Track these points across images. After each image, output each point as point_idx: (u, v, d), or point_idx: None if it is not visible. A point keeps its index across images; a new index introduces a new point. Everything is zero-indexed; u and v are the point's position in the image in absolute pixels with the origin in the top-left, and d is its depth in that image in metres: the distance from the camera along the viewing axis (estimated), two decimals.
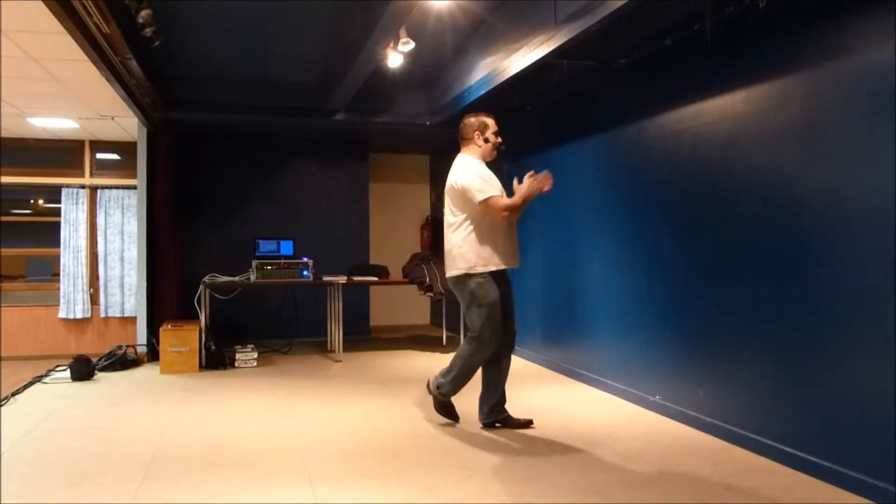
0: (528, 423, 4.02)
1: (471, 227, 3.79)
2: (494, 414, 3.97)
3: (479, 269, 3.77)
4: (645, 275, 4.49)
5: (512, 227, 3.90)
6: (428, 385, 4.11)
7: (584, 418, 4.22)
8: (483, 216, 3.77)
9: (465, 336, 4.04)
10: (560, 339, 5.75)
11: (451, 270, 3.88)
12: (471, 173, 3.80)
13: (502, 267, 3.84)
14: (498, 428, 3.95)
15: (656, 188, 4.39)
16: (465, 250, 3.78)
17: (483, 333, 3.78)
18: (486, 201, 3.71)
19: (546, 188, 3.73)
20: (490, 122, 3.96)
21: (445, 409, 4.04)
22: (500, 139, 3.99)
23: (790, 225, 3.29)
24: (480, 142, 3.92)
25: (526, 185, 3.74)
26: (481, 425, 3.97)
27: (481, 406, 4.00)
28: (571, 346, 5.53)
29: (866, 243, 2.90)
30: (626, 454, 3.48)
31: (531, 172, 3.78)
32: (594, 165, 5.15)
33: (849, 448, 2.96)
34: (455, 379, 3.91)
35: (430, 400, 4.67)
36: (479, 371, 3.95)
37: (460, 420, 4.04)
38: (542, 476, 3.16)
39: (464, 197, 3.78)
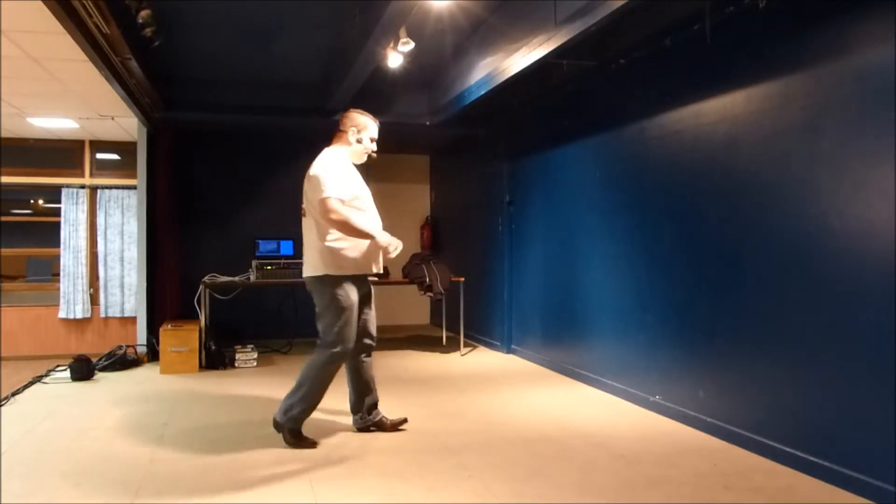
0: (403, 422, 3.93)
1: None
2: (370, 418, 3.86)
3: (338, 272, 3.53)
4: (645, 275, 4.49)
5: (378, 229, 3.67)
6: (274, 421, 3.67)
7: (584, 418, 4.22)
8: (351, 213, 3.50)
9: (316, 342, 3.67)
10: (560, 339, 5.75)
11: (308, 270, 3.60)
12: (329, 167, 3.51)
13: (363, 272, 3.64)
14: (373, 431, 3.87)
15: (656, 188, 4.39)
16: (324, 250, 3.51)
17: (336, 340, 3.52)
18: (326, 200, 3.40)
19: (390, 256, 3.59)
20: (373, 125, 3.76)
21: (298, 437, 3.60)
22: (375, 149, 3.77)
23: (790, 225, 3.29)
24: (353, 139, 3.68)
25: (387, 241, 3.53)
26: (356, 429, 3.88)
27: (355, 412, 3.90)
28: (571, 346, 5.53)
29: (866, 243, 2.90)
30: (626, 454, 3.48)
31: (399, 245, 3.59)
32: (594, 165, 5.15)
33: (849, 448, 2.96)
34: (306, 396, 3.57)
35: (429, 400, 4.66)
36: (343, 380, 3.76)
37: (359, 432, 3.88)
38: (542, 476, 3.16)
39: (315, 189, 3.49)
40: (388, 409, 4.44)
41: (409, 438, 3.78)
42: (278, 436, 3.79)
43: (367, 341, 3.80)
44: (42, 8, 3.31)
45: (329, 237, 3.51)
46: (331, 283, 3.53)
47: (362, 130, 3.71)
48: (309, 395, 3.58)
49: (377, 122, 3.79)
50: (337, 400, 4.76)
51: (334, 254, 3.52)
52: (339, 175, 3.51)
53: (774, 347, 3.38)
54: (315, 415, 4.05)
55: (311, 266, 3.59)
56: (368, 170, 8.48)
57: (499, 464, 3.33)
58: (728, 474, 3.17)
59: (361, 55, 4.83)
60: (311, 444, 3.60)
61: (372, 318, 3.84)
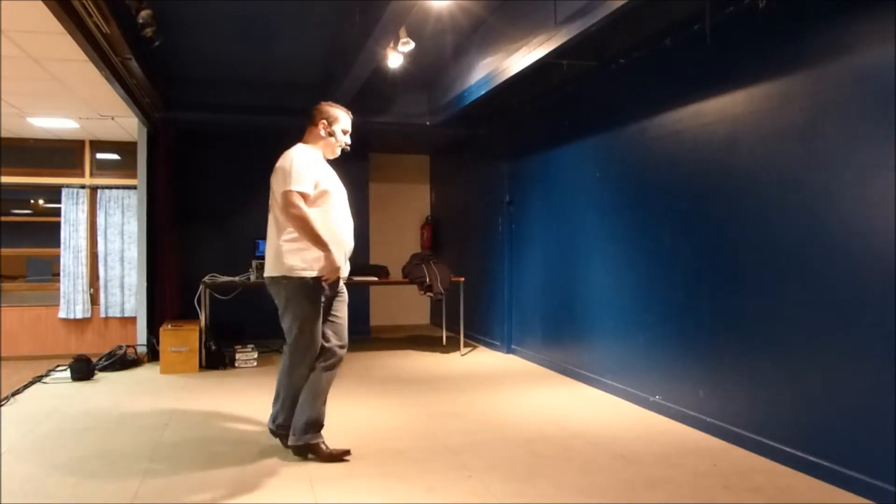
0: (345, 453, 3.50)
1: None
2: (306, 438, 3.40)
3: (302, 274, 3.28)
4: (645, 274, 4.49)
5: (348, 230, 3.49)
6: (294, 448, 3.40)
7: (584, 418, 4.22)
8: (315, 212, 3.29)
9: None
10: (560, 339, 5.75)
11: (268, 270, 3.39)
12: (297, 160, 3.30)
13: (339, 273, 3.39)
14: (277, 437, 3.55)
15: (656, 188, 4.39)
16: (288, 249, 3.29)
17: (301, 342, 3.33)
18: (288, 193, 3.21)
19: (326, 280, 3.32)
20: (345, 117, 3.55)
21: (328, 453, 3.38)
22: (348, 142, 3.57)
23: (790, 225, 3.29)
24: (325, 132, 3.47)
25: (330, 264, 3.26)
26: (269, 430, 3.57)
27: (274, 410, 3.53)
28: (571, 346, 5.53)
29: (866, 243, 2.90)
30: (626, 454, 3.48)
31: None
32: (594, 165, 5.15)
33: (849, 448, 2.96)
34: (311, 407, 3.36)
35: (429, 399, 4.67)
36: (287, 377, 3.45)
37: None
38: (542, 476, 3.16)
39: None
40: (388, 409, 4.45)
41: (409, 438, 3.78)
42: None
43: (329, 345, 3.43)
44: (42, 8, 3.31)
45: (289, 235, 3.30)
46: (289, 284, 3.29)
47: (334, 123, 3.50)
48: (314, 397, 3.38)
49: (349, 113, 3.59)
50: (336, 401, 4.77)
51: (295, 253, 3.28)
52: (306, 169, 3.29)
53: (774, 347, 3.38)
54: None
55: (270, 265, 3.37)
56: (369, 170, 8.50)
57: (499, 464, 3.33)
58: (728, 474, 3.17)
59: (361, 55, 4.83)
60: (342, 453, 3.40)
61: (341, 324, 3.52)
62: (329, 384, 3.47)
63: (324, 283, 3.32)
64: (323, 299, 3.38)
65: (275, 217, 3.39)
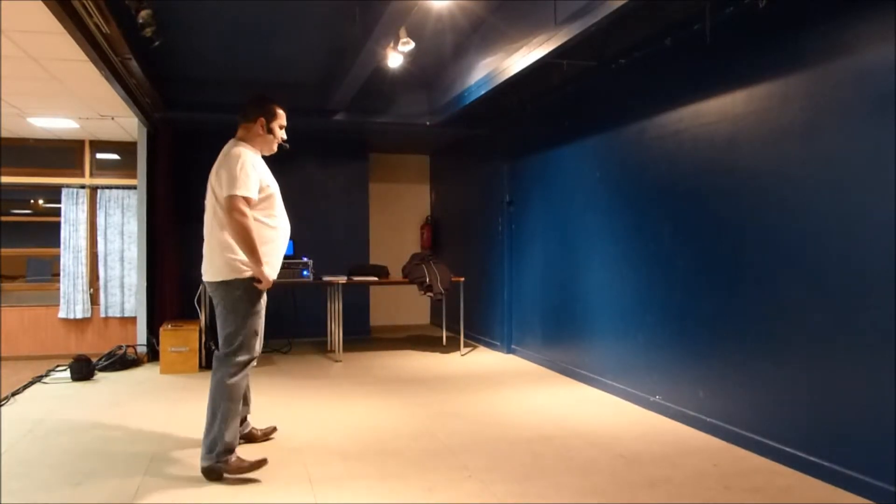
0: (272, 431, 3.73)
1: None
2: (241, 429, 3.45)
3: (245, 276, 3.21)
4: (645, 275, 4.49)
5: (286, 229, 3.44)
6: (204, 470, 3.13)
7: (584, 418, 4.22)
8: (260, 216, 3.26)
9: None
10: (560, 339, 5.75)
11: (212, 274, 3.31)
12: (239, 161, 3.20)
13: (273, 277, 3.29)
14: (241, 443, 3.43)
15: (656, 188, 4.39)
16: (233, 252, 3.22)
17: (242, 349, 3.21)
18: (233, 198, 3.14)
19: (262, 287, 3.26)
20: (281, 113, 3.48)
21: (240, 467, 3.15)
22: (285, 137, 3.51)
23: (790, 225, 3.29)
24: (262, 130, 3.38)
25: (260, 275, 3.20)
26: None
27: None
28: (571, 346, 5.53)
29: (866, 243, 2.90)
30: (626, 454, 3.48)
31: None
32: (594, 165, 5.15)
33: (849, 448, 2.96)
34: (226, 420, 3.15)
35: (429, 400, 4.67)
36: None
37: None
38: (542, 476, 3.16)
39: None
40: (388, 408, 4.44)
41: (409, 438, 3.78)
42: (278, 436, 3.79)
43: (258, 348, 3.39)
44: (42, 8, 3.31)
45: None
46: (238, 287, 3.21)
47: (272, 120, 3.41)
48: (227, 418, 3.16)
49: (284, 108, 3.52)
50: (336, 401, 4.77)
51: (242, 256, 3.20)
52: (253, 171, 3.22)
53: (775, 347, 3.38)
54: (315, 415, 4.05)
55: (216, 269, 3.28)
56: (369, 170, 8.50)
57: (499, 464, 3.33)
58: (728, 474, 3.17)
59: (361, 55, 4.83)
60: (259, 463, 3.20)
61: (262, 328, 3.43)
62: (243, 390, 3.33)
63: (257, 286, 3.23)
64: (265, 301, 3.32)
65: (215, 217, 3.31)
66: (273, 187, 3.39)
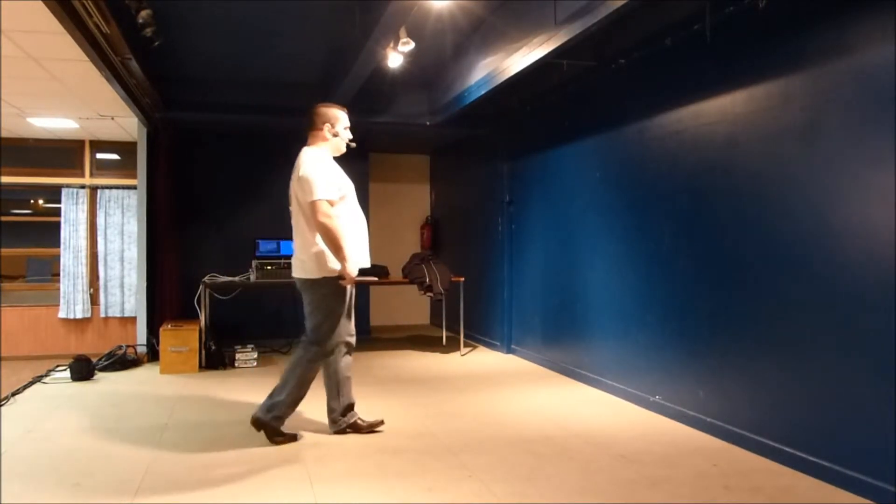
0: (379, 423, 3.91)
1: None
2: (345, 420, 3.82)
3: (332, 274, 3.55)
4: (645, 275, 4.49)
5: (362, 222, 3.75)
6: (255, 419, 3.65)
7: (584, 418, 4.22)
8: (340, 215, 3.55)
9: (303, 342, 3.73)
10: (560, 339, 5.75)
11: (301, 272, 3.65)
12: (318, 167, 3.53)
13: (359, 268, 3.63)
14: (348, 433, 3.82)
15: (656, 188, 4.39)
16: (319, 252, 3.54)
17: (324, 339, 3.64)
18: (318, 202, 3.44)
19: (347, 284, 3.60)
20: (343, 115, 3.76)
21: (281, 434, 3.65)
22: (351, 137, 3.79)
23: (790, 225, 3.29)
24: (329, 134, 3.69)
25: (348, 273, 3.51)
26: (331, 432, 3.82)
27: (330, 413, 3.84)
28: (571, 346, 5.53)
29: (866, 243, 2.90)
30: (626, 454, 3.48)
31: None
32: (594, 165, 5.15)
33: (849, 448, 2.96)
34: (291, 394, 3.62)
35: (429, 399, 4.67)
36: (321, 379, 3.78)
37: (385, 424, 3.92)
38: (542, 476, 3.16)
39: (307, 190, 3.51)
40: (388, 409, 4.44)
41: (409, 438, 3.78)
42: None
43: (350, 339, 3.81)
44: (42, 8, 3.31)
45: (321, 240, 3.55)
46: (325, 285, 3.57)
47: (336, 123, 3.72)
48: (293, 392, 3.63)
49: (345, 110, 3.80)
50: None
51: (328, 256, 3.54)
52: (326, 175, 3.53)
53: (775, 347, 3.38)
54: (313, 415, 4.05)
55: (305, 269, 3.62)
56: (369, 170, 8.49)
57: (499, 464, 3.33)
58: (728, 474, 3.17)
59: (361, 55, 4.82)
60: (292, 437, 3.68)
61: (352, 316, 3.85)
62: (314, 376, 3.75)
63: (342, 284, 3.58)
64: (349, 296, 3.70)
65: (302, 223, 3.60)
66: (348, 188, 3.67)
